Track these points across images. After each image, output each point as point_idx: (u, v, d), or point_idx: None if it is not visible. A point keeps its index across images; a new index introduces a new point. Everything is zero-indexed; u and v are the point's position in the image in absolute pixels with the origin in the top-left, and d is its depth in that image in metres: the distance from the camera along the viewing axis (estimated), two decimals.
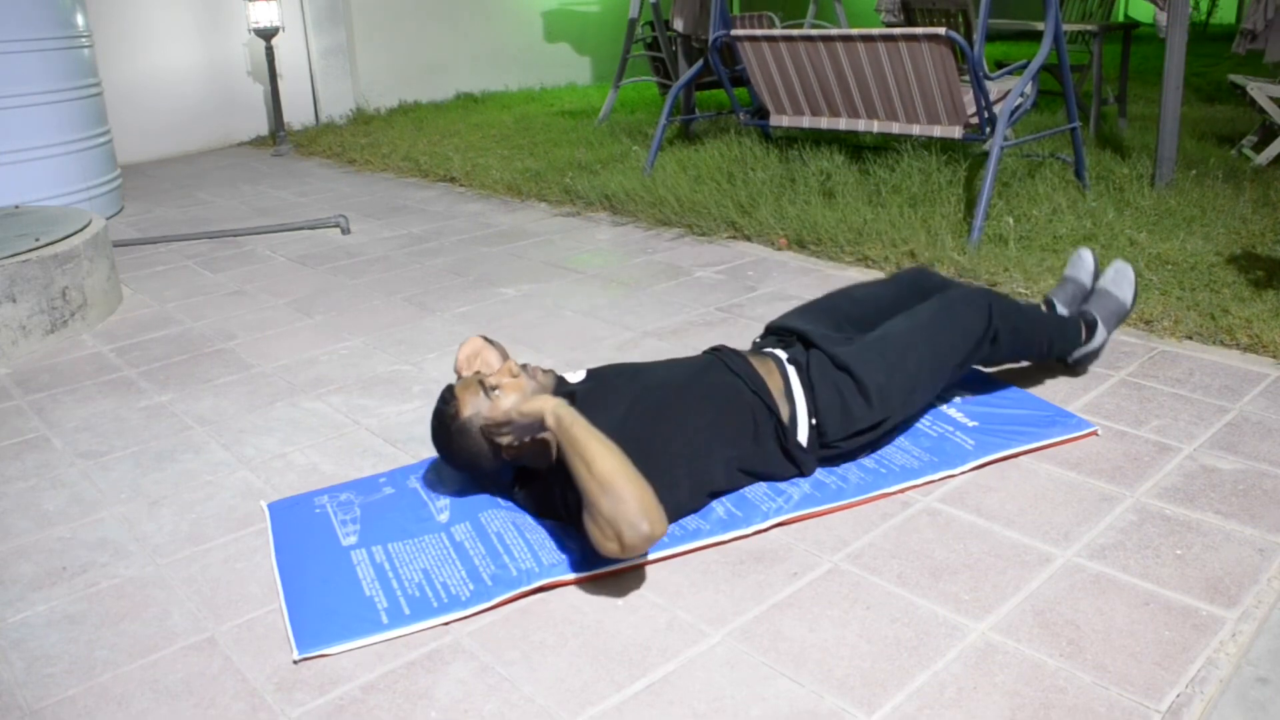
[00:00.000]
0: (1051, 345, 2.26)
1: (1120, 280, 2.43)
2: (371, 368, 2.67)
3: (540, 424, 1.71)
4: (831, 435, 1.91)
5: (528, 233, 4.04)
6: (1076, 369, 2.40)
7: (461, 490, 1.95)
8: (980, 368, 2.37)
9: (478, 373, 1.86)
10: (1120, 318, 2.41)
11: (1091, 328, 2.33)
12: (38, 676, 1.51)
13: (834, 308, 2.21)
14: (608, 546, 1.57)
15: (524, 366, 1.87)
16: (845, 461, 1.98)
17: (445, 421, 1.82)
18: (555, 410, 1.68)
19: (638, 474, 1.59)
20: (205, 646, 1.56)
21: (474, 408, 1.79)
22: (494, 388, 1.80)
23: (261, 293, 3.39)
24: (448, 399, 1.83)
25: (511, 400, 1.78)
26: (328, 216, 4.34)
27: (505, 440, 1.77)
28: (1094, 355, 2.37)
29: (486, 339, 2.00)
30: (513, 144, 5.69)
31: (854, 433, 1.92)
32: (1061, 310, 2.43)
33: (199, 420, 2.39)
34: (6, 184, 4.16)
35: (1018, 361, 2.35)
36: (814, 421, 1.91)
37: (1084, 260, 2.52)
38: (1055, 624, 1.52)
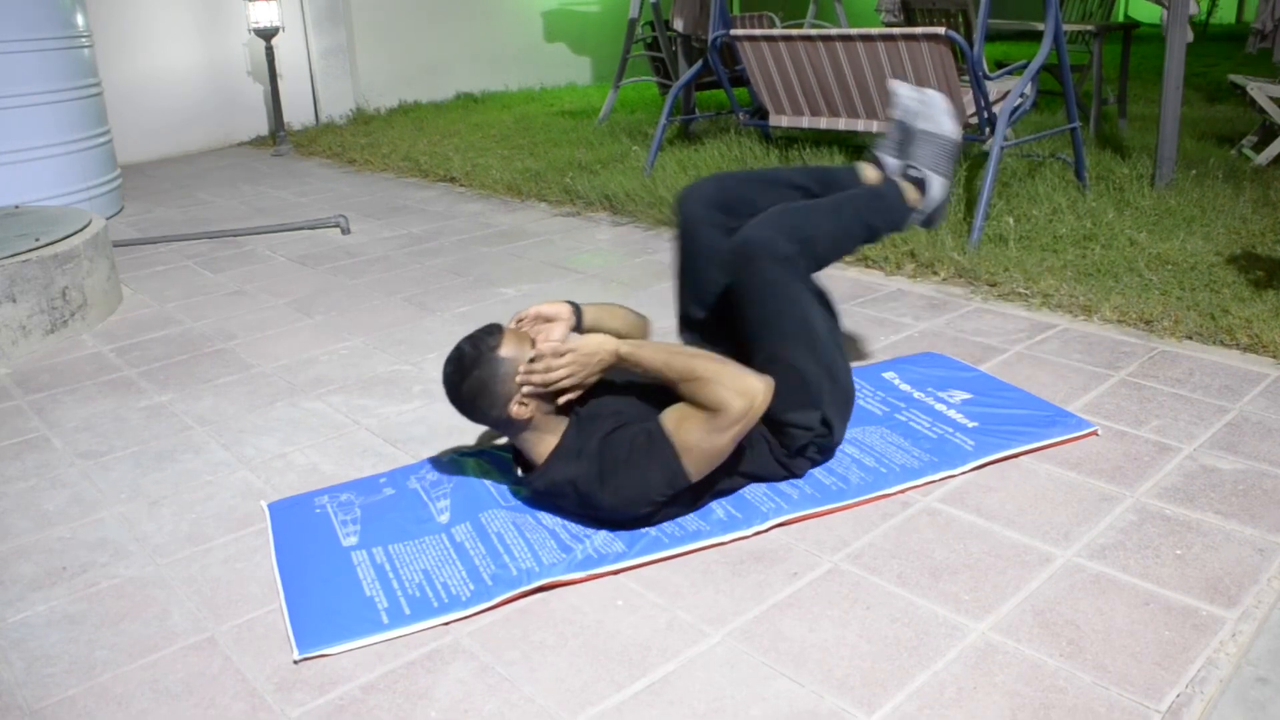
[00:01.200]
0: (870, 226, 2.03)
1: (930, 110, 2.12)
2: (371, 368, 2.67)
3: (602, 363, 1.76)
4: (783, 424, 1.87)
5: (528, 233, 4.04)
6: (930, 228, 2.19)
7: (462, 490, 1.95)
8: (981, 369, 2.37)
9: (531, 337, 1.84)
10: (949, 155, 2.12)
11: (920, 184, 2.11)
12: (38, 676, 1.51)
13: (696, 279, 2.10)
14: (736, 405, 1.65)
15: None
16: (845, 461, 1.98)
17: (481, 348, 1.78)
18: (617, 351, 1.77)
19: (715, 355, 1.71)
20: (205, 646, 1.56)
21: (514, 354, 1.78)
22: (539, 356, 1.77)
23: (261, 293, 3.39)
24: (493, 331, 1.81)
25: (543, 376, 1.76)
26: (328, 216, 4.34)
27: (539, 379, 1.74)
28: (941, 208, 2.15)
29: (577, 311, 1.94)
30: (513, 144, 5.69)
31: (785, 418, 1.86)
32: (889, 161, 2.18)
33: (199, 420, 2.39)
34: (6, 184, 4.16)
35: (849, 254, 2.11)
36: (773, 435, 1.89)
37: (897, 94, 2.21)
38: (1055, 624, 1.52)
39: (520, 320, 1.92)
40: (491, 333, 1.81)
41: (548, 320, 1.92)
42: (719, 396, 1.67)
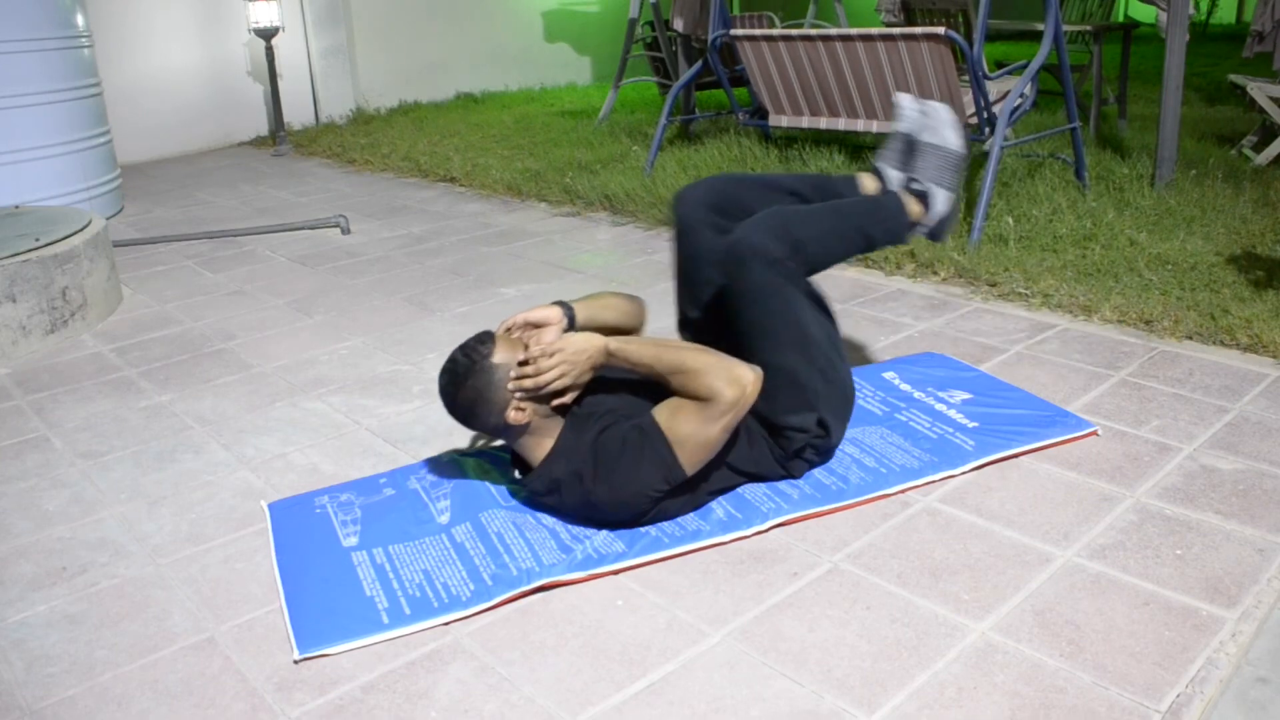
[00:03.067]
0: (868, 236, 2.01)
1: (934, 122, 2.08)
2: (371, 368, 2.67)
3: (591, 361, 1.76)
4: (779, 427, 1.87)
5: (528, 233, 4.04)
6: (937, 240, 2.17)
7: (462, 491, 1.95)
8: (984, 370, 2.37)
9: (524, 342, 1.84)
10: (954, 166, 2.08)
11: (922, 196, 2.08)
12: (38, 676, 1.51)
13: (691, 281, 2.09)
14: (728, 394, 1.68)
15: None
16: (845, 461, 1.98)
17: (474, 357, 1.78)
18: (606, 348, 1.77)
19: (704, 347, 1.74)
20: (205, 646, 1.56)
21: (506, 360, 1.78)
22: (529, 360, 1.77)
23: (261, 293, 3.39)
24: (485, 339, 1.81)
25: (537, 379, 1.75)
26: (328, 216, 4.34)
27: (530, 383, 1.74)
28: (947, 222, 2.11)
29: (568, 312, 1.92)
30: (513, 144, 5.69)
31: (777, 419, 1.86)
32: (890, 173, 2.15)
33: (199, 420, 2.39)
34: (6, 184, 4.16)
35: (840, 261, 2.05)
36: (771, 438, 1.90)
37: (900, 106, 2.17)
38: (1055, 624, 1.52)
39: (509, 328, 1.90)
40: (483, 341, 1.81)
41: (537, 326, 1.90)
42: (709, 386, 1.68)
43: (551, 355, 1.75)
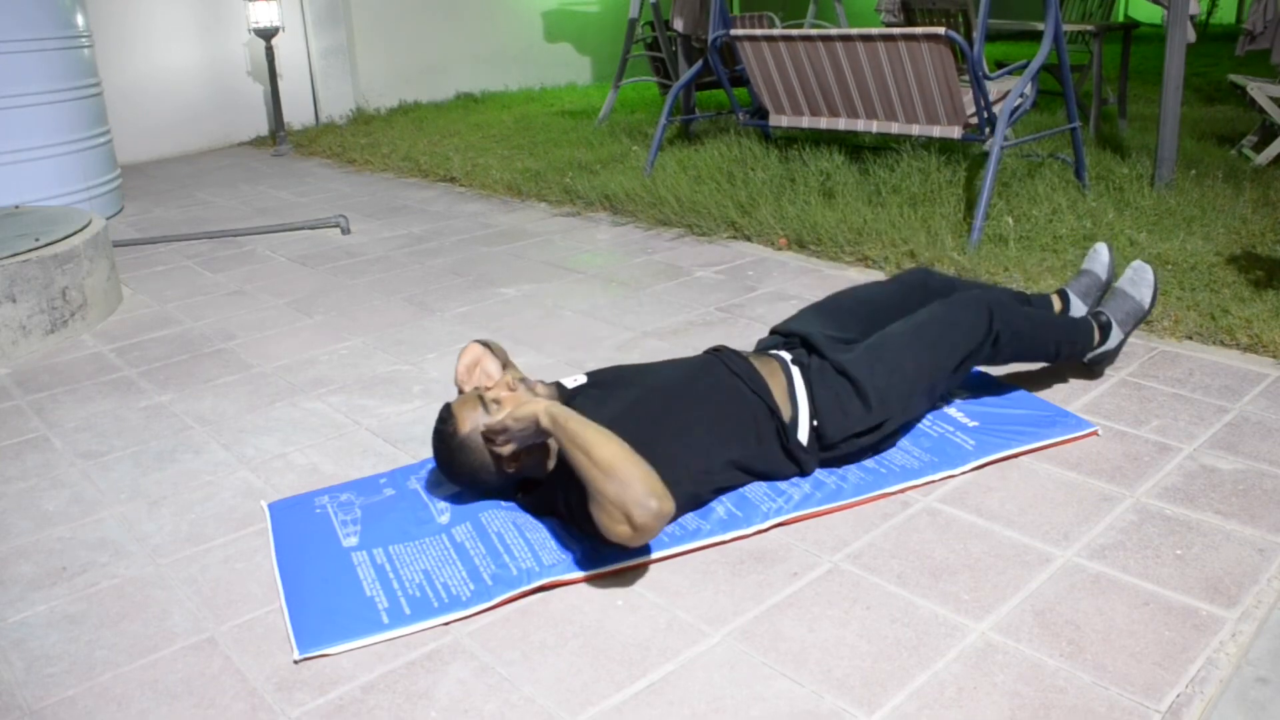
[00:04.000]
0: (1059, 348, 2.22)
1: (1139, 281, 2.39)
2: (371, 368, 2.67)
3: (536, 427, 1.71)
4: (831, 436, 1.91)
5: (528, 233, 4.04)
6: (1092, 370, 2.38)
7: (462, 493, 1.95)
8: (986, 369, 2.37)
9: (476, 389, 1.86)
10: (1137, 319, 2.37)
11: (1105, 329, 2.29)
12: (38, 676, 1.51)
13: (838, 308, 2.21)
14: (619, 530, 1.56)
15: (523, 380, 1.87)
16: (846, 463, 1.98)
17: (446, 440, 1.82)
18: (548, 410, 1.69)
19: (638, 457, 1.59)
20: (205, 646, 1.56)
21: (473, 423, 1.79)
22: (494, 401, 1.80)
23: (261, 293, 3.39)
24: (445, 418, 1.83)
25: (508, 409, 1.78)
26: (328, 216, 4.34)
27: (505, 450, 1.77)
28: (1110, 357, 2.34)
29: (486, 344, 2.00)
30: (513, 144, 5.69)
31: (852, 434, 1.92)
32: (1076, 303, 2.41)
33: (199, 420, 2.39)
34: (6, 184, 4.16)
35: (1024, 363, 2.32)
36: (815, 423, 1.91)
37: (1099, 254, 2.50)
38: (1055, 624, 1.52)
39: (459, 385, 1.95)
40: (445, 421, 1.82)
41: (472, 366, 1.95)
42: (599, 517, 1.58)
43: (501, 431, 1.75)
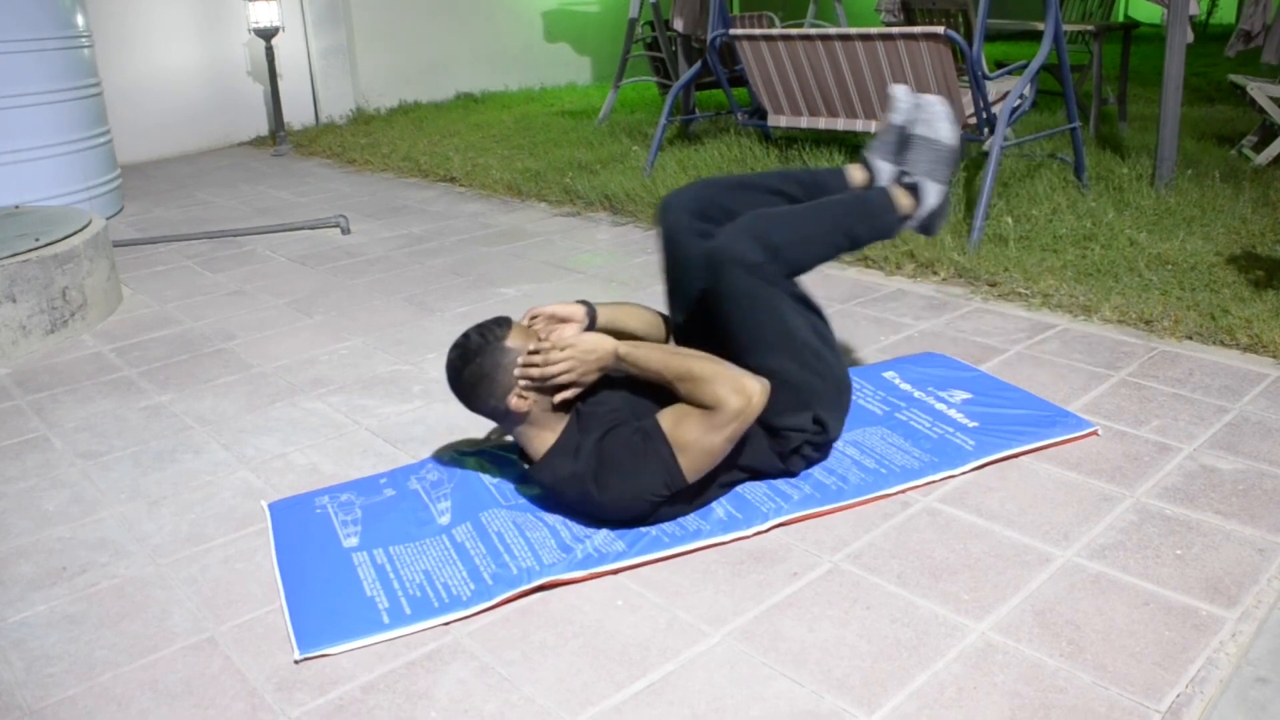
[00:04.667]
0: (853, 234, 1.98)
1: (929, 117, 2.07)
2: (371, 368, 2.67)
3: (611, 359, 1.77)
4: (776, 429, 1.86)
5: (528, 233, 4.04)
6: (929, 234, 2.15)
7: (462, 490, 1.95)
8: (987, 370, 2.37)
9: (538, 329, 1.88)
10: (947, 161, 2.07)
11: (913, 189, 2.06)
12: (38, 676, 1.51)
13: (684, 327, 2.08)
14: (733, 403, 1.68)
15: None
16: (845, 461, 1.98)
17: (487, 338, 1.80)
18: (617, 351, 1.78)
19: (714, 357, 1.74)
20: (205, 646, 1.56)
21: (519, 345, 1.80)
22: (536, 352, 1.79)
23: (261, 293, 3.39)
24: (502, 323, 1.83)
25: (546, 370, 1.77)
26: (328, 216, 4.34)
27: (547, 370, 1.75)
28: (938, 216, 2.10)
29: (591, 314, 1.95)
30: (513, 144, 5.69)
31: (787, 427, 1.87)
32: (880, 165, 2.12)
33: (199, 420, 2.39)
34: (6, 184, 4.15)
35: (828, 260, 2.01)
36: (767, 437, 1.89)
37: (894, 98, 2.16)
38: (1055, 624, 1.52)
39: (534, 318, 1.93)
40: (501, 324, 1.83)
41: (562, 320, 1.93)
42: (715, 394, 1.68)
43: (563, 349, 1.77)
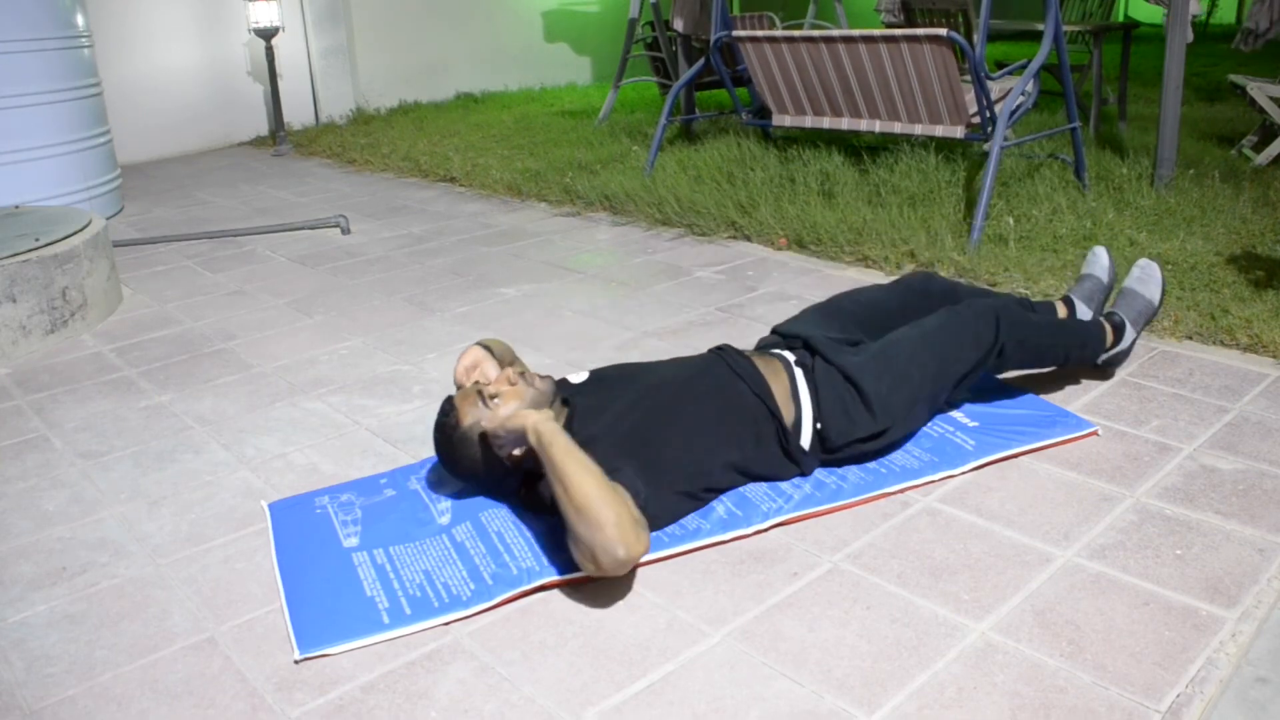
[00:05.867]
0: (1068, 353, 2.22)
1: (1147, 278, 2.41)
2: (371, 368, 2.67)
3: (524, 437, 1.71)
4: (834, 441, 1.91)
5: (528, 233, 4.04)
6: (1105, 371, 2.38)
7: (463, 492, 1.95)
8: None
9: (476, 383, 1.86)
10: (1148, 317, 2.39)
11: (1119, 329, 2.30)
12: (38, 676, 1.51)
13: (839, 310, 2.20)
14: (586, 567, 1.58)
15: (522, 374, 1.86)
16: (846, 465, 1.98)
17: (447, 433, 1.83)
18: (536, 426, 1.67)
19: (615, 495, 1.57)
20: (205, 646, 1.56)
21: (474, 417, 1.80)
22: (493, 396, 1.80)
23: (261, 293, 3.39)
24: (447, 410, 1.83)
25: (508, 409, 1.78)
26: (328, 216, 4.34)
27: (501, 451, 1.78)
28: (1123, 357, 2.34)
29: (486, 346, 1.99)
30: (513, 144, 5.69)
31: (855, 439, 1.92)
32: (1081, 307, 2.40)
33: (199, 420, 2.39)
34: (6, 184, 4.15)
35: (1032, 369, 2.29)
36: (818, 426, 1.91)
37: (1099, 258, 2.51)
38: (1055, 624, 1.52)
39: (458, 383, 1.94)
40: (447, 413, 1.83)
41: (472, 368, 1.94)
42: (582, 539, 1.55)
43: (491, 396, 1.78)
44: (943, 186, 3.84)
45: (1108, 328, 2.29)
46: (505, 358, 2.02)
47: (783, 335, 2.15)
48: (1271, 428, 2.11)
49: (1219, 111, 5.51)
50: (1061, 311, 2.40)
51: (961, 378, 2.02)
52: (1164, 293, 2.42)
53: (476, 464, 1.82)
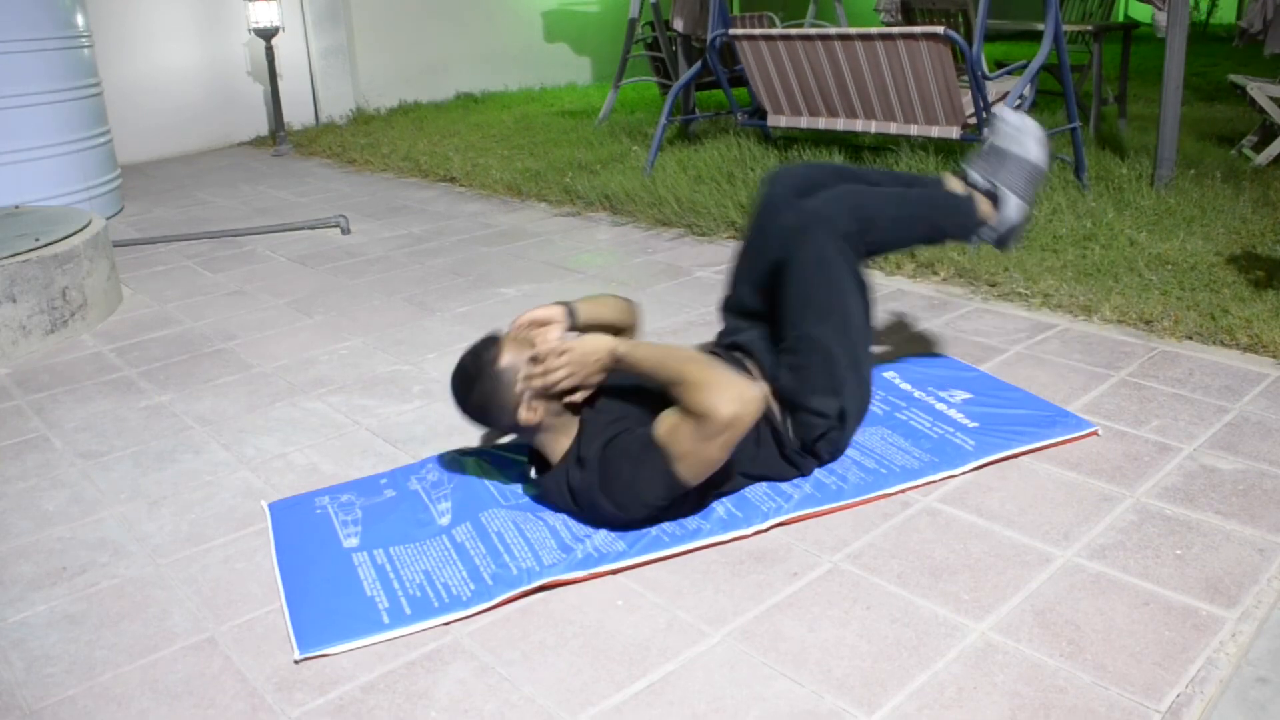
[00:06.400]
0: (936, 226, 2.07)
1: (1022, 136, 2.12)
2: (371, 368, 2.67)
3: (607, 359, 1.75)
4: (806, 439, 1.91)
5: (528, 233, 4.04)
6: (1003, 248, 2.21)
7: (463, 491, 1.95)
8: (986, 370, 2.37)
9: (530, 336, 1.86)
10: (1032, 180, 2.12)
11: (994, 199, 2.10)
12: (38, 676, 1.51)
13: (740, 300, 2.12)
14: (724, 411, 1.60)
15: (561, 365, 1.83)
16: (845, 461, 1.98)
17: (481, 364, 1.80)
18: (613, 352, 1.75)
19: (715, 360, 1.72)
20: (205, 646, 1.56)
21: (514, 360, 1.79)
22: (538, 361, 1.78)
23: (261, 293, 3.39)
24: (489, 343, 1.82)
25: (547, 380, 1.76)
26: (328, 216, 4.34)
27: (546, 380, 1.75)
28: (1015, 230, 2.15)
29: (572, 313, 1.95)
30: (513, 144, 5.69)
31: (820, 434, 1.90)
32: (975, 177, 2.16)
33: (199, 420, 2.39)
34: (6, 184, 4.15)
35: (910, 247, 2.14)
36: (788, 421, 1.91)
37: (999, 119, 2.20)
38: (1055, 624, 1.52)
39: (517, 326, 1.93)
40: (489, 345, 1.82)
41: (542, 324, 1.93)
42: (707, 401, 1.62)
43: (560, 355, 1.76)
44: None
45: (981, 199, 2.11)
46: (594, 320, 1.97)
47: (725, 347, 2.11)
48: (1271, 428, 2.11)
49: (1219, 111, 5.51)
50: (955, 186, 2.20)
51: (850, 273, 1.92)
52: (1045, 148, 2.12)
53: (491, 402, 1.80)
